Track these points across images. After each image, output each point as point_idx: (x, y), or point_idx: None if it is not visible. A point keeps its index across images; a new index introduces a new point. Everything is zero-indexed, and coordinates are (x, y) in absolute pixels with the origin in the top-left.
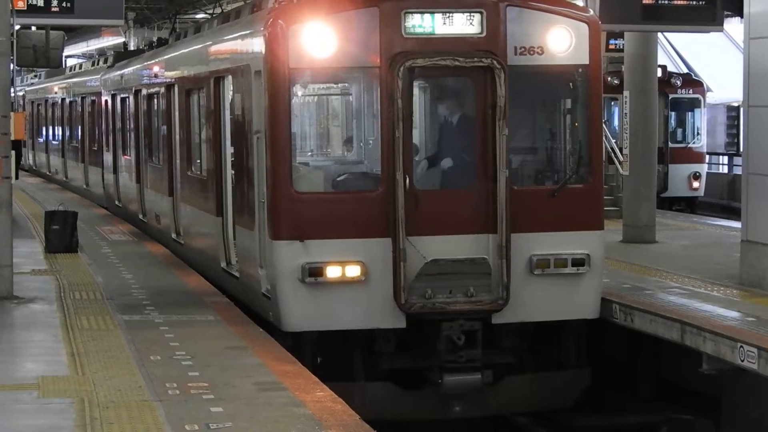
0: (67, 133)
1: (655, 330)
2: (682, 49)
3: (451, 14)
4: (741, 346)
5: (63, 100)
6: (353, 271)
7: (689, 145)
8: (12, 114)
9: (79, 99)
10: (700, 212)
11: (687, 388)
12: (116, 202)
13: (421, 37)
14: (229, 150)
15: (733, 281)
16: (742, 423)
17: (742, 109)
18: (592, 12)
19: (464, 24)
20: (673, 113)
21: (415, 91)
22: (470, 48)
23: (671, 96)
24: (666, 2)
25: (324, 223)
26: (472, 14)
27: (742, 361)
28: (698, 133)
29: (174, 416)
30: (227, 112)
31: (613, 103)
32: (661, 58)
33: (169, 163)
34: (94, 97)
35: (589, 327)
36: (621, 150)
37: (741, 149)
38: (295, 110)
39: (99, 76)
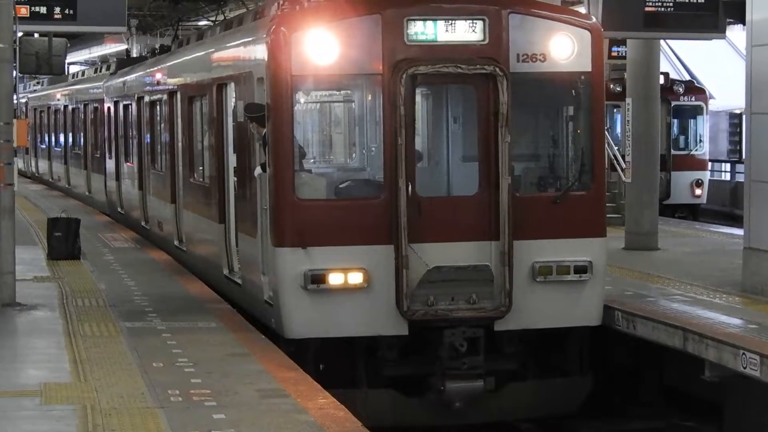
0: (70, 140)
1: (658, 337)
2: (684, 56)
3: (453, 21)
4: (743, 353)
5: (65, 107)
6: (356, 278)
7: (692, 153)
8: (15, 121)
9: (82, 106)
10: (703, 219)
11: (690, 395)
12: (119, 209)
13: (423, 45)
14: (231, 157)
15: (735, 288)
16: (744, 430)
17: (744, 117)
18: (594, 19)
19: (467, 31)
20: (675, 120)
21: (418, 98)
22: (473, 55)
23: (674, 103)
24: (668, 10)
25: (326, 230)
26: (474, 21)
27: (745, 368)
28: (701, 141)
29: (176, 423)
30: (230, 119)
31: (615, 110)
32: (664, 66)
33: (172, 170)
34: (96, 104)
35: (592, 334)
36: (623, 157)
37: (743, 156)
38: (297, 117)
39: (101, 83)
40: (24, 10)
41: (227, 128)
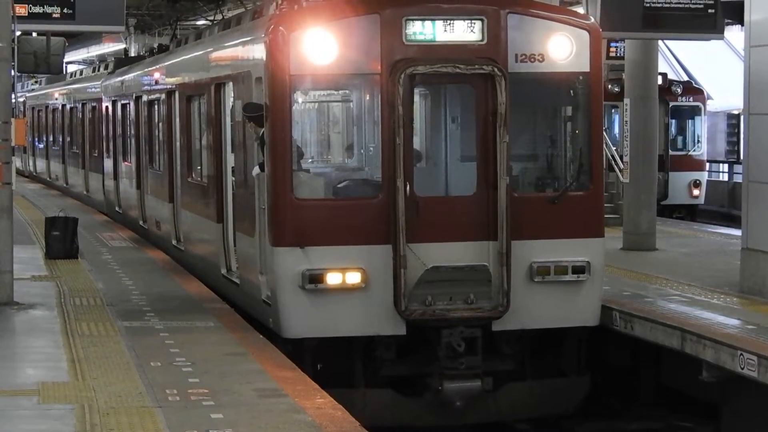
0: (68, 139)
1: (656, 337)
2: (682, 56)
3: (451, 21)
4: (741, 354)
5: (63, 106)
6: (353, 277)
7: (690, 153)
8: (13, 120)
9: (80, 105)
10: (701, 220)
11: (687, 396)
12: (117, 209)
13: (422, 44)
14: (229, 156)
15: (733, 289)
16: (742, 430)
17: (742, 117)
18: (592, 19)
19: (465, 31)
20: (673, 121)
21: (416, 98)
22: (471, 55)
23: (672, 103)
24: (667, 10)
25: (324, 229)
26: (473, 21)
27: (742, 368)
28: (698, 141)
29: (174, 422)
30: (228, 119)
31: (613, 110)
32: (662, 66)
33: (170, 170)
34: (94, 104)
35: (590, 334)
36: (621, 157)
37: (741, 157)
38: (295, 117)
39: (100, 83)
40: (22, 10)
41: (225, 128)
